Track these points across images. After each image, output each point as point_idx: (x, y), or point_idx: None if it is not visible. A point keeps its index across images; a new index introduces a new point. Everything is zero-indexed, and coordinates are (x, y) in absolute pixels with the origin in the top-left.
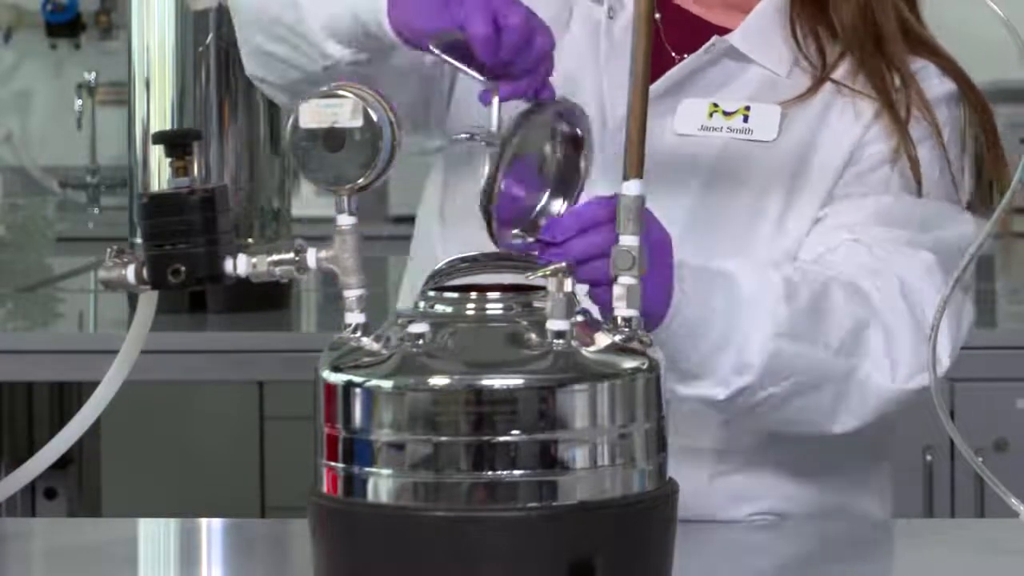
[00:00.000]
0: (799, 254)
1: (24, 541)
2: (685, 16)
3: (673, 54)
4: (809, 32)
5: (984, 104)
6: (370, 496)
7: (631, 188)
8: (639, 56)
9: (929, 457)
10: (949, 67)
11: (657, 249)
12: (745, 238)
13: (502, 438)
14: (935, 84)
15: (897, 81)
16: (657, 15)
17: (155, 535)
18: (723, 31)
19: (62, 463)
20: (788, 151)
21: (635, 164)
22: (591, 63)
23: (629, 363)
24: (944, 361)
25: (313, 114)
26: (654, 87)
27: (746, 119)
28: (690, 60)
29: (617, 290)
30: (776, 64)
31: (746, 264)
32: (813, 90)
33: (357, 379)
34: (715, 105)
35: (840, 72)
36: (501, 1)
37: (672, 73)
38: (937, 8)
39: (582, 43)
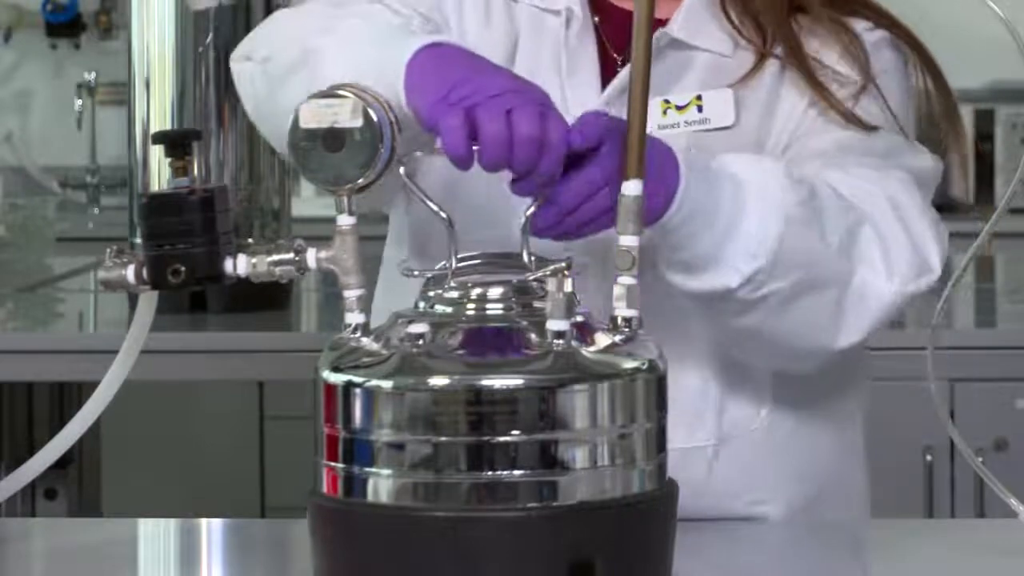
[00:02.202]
0: None
1: (24, 541)
2: (620, 13)
3: (614, 54)
4: (745, 11)
5: (930, 58)
6: (370, 496)
7: (631, 188)
8: (639, 56)
9: (929, 457)
10: (884, 22)
11: (657, 146)
12: None
13: (502, 438)
14: (873, 36)
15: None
16: (596, 18)
17: (155, 535)
18: (660, 24)
19: (62, 463)
20: (751, 133)
21: (635, 164)
22: (553, 77)
23: (629, 363)
24: (936, 268)
25: (313, 114)
26: (606, 93)
27: (700, 108)
28: None
29: (617, 290)
30: (719, 46)
31: (745, 159)
32: (757, 67)
33: (357, 379)
34: (666, 102)
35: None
36: (516, 97)
37: (624, 74)
38: (938, 8)
39: (542, 57)
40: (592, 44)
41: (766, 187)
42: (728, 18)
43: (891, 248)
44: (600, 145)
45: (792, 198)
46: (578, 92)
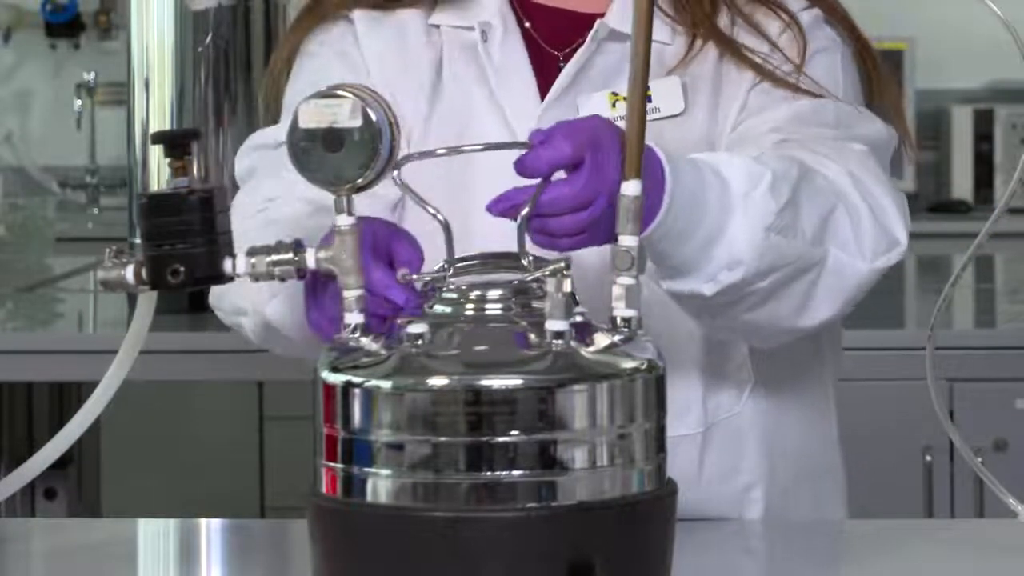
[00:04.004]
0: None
1: (24, 541)
2: (552, 13)
3: (554, 51)
4: None
5: (862, 38)
6: (369, 496)
7: (631, 188)
8: (639, 54)
9: (929, 457)
10: (822, 4)
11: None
12: None
13: (501, 438)
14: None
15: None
16: (527, 23)
17: (155, 535)
18: (593, 18)
19: (62, 463)
20: (701, 119)
21: (635, 164)
22: (481, 91)
23: (628, 363)
24: (903, 241)
25: (312, 114)
26: (553, 89)
27: (649, 99)
28: (581, 53)
29: (616, 290)
30: (657, 33)
31: (734, 160)
32: (693, 50)
33: (356, 379)
34: (614, 94)
35: (723, 22)
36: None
37: (567, 71)
38: (938, 8)
39: (467, 74)
40: (520, 51)
41: (749, 198)
42: (664, 3)
43: (860, 225)
44: (581, 161)
45: (774, 207)
46: (514, 101)
